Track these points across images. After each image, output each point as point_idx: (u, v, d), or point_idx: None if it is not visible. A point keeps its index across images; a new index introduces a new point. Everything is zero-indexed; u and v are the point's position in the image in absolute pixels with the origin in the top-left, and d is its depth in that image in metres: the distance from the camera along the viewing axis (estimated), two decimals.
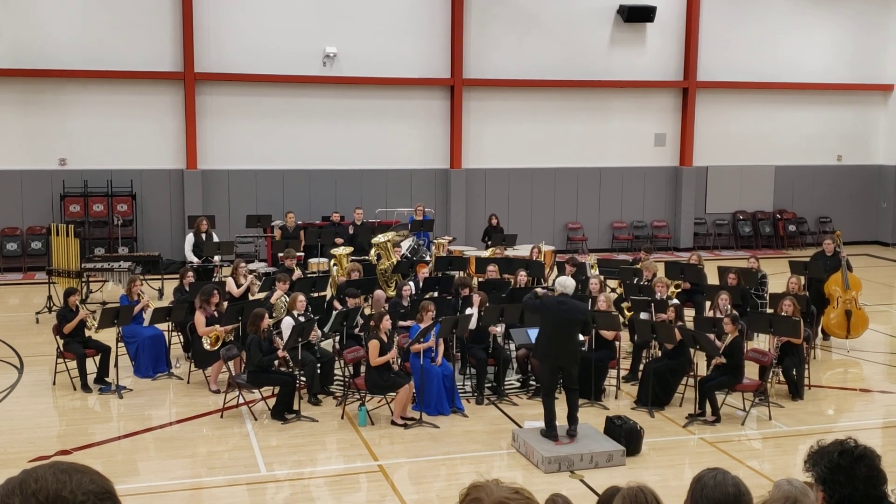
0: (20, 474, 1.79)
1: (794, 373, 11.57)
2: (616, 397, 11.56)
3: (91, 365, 11.72)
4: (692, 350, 11.16)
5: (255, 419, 10.62)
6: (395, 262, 15.25)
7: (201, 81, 19.82)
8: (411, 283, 13.28)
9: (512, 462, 9.52)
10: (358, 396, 10.85)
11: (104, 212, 19.57)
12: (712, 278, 14.78)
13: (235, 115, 20.20)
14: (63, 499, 1.73)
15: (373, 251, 15.88)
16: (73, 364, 11.66)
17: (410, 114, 21.22)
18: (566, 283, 10.08)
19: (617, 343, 11.81)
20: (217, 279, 14.87)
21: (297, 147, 20.57)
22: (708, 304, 13.59)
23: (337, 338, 11.86)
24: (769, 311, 13.07)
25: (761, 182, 23.84)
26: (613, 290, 15.17)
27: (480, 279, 14.47)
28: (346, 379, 11.41)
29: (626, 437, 9.60)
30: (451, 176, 21.51)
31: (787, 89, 23.48)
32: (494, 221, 18.94)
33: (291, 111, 20.49)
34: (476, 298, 11.90)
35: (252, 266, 16.00)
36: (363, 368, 11.05)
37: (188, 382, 11.97)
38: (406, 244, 16.21)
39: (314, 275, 14.72)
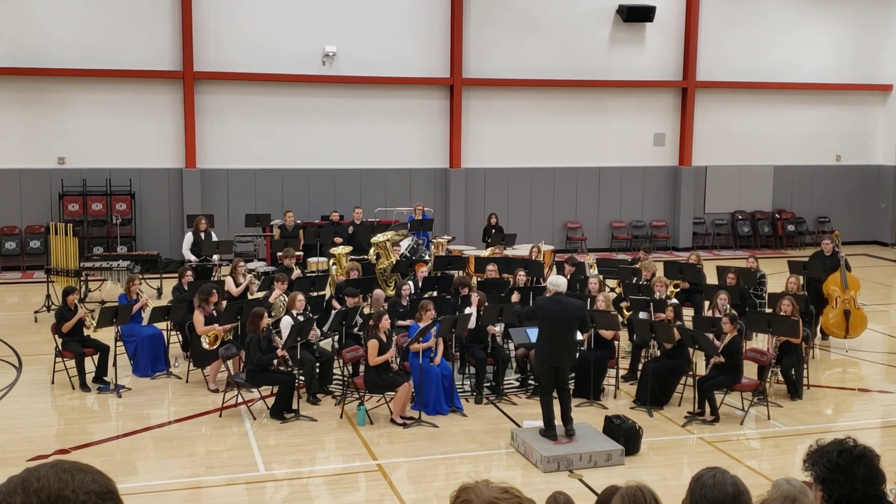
0: (23, 472, 1.79)
1: (793, 372, 11.58)
2: (615, 397, 11.56)
3: (90, 364, 11.71)
4: (691, 350, 11.17)
5: (254, 418, 10.62)
6: (394, 262, 15.25)
7: (200, 80, 19.82)
8: (410, 283, 13.28)
9: (511, 461, 9.52)
10: (357, 396, 10.85)
11: (103, 211, 19.56)
12: (711, 278, 14.78)
13: (234, 115, 20.19)
14: (65, 498, 1.73)
15: (372, 250, 15.89)
16: (71, 363, 11.65)
17: (410, 113, 21.22)
18: (558, 283, 10.06)
19: (616, 342, 11.82)
20: (216, 278, 14.86)
21: (296, 146, 20.57)
22: (707, 303, 13.61)
23: (336, 337, 11.87)
24: (768, 310, 13.07)
25: (760, 182, 23.85)
26: (612, 289, 15.16)
27: (479, 279, 14.48)
28: (345, 378, 11.42)
29: (625, 436, 9.60)
30: (451, 175, 21.51)
31: (787, 89, 23.49)
32: (494, 221, 18.95)
33: (291, 110, 20.49)
34: (475, 298, 11.91)
35: (251, 265, 16.02)
36: (362, 368, 11.05)
37: (187, 381, 11.96)
38: (405, 243, 16.21)
39: (313, 274, 14.71)
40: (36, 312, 15.23)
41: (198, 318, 11.73)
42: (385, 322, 10.61)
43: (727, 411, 10.95)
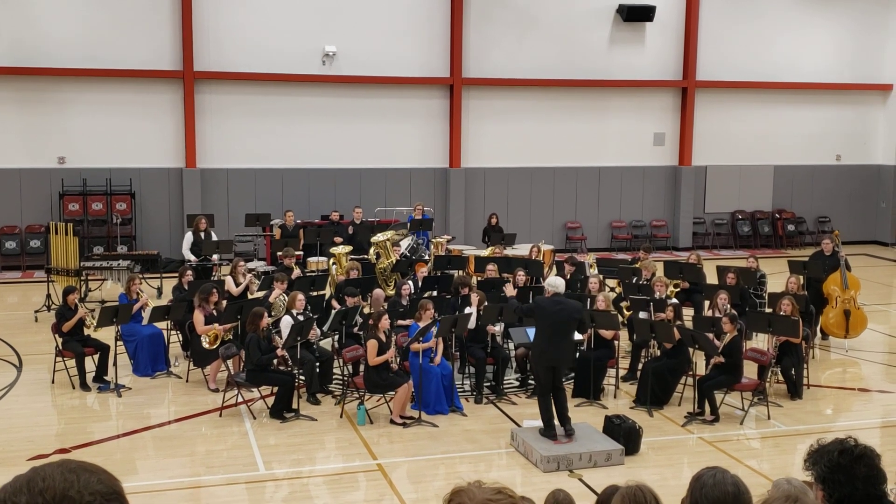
0: (28, 472, 1.79)
1: (793, 372, 11.58)
2: (615, 396, 11.56)
3: (90, 363, 11.71)
4: (691, 349, 11.17)
5: (254, 418, 10.62)
6: (394, 261, 15.26)
7: (200, 80, 19.82)
8: (410, 283, 13.28)
9: (510, 461, 9.52)
10: (357, 395, 10.85)
11: (103, 210, 19.57)
12: (711, 278, 14.79)
13: (234, 114, 20.20)
14: (70, 498, 1.73)
15: (372, 250, 15.89)
16: (71, 362, 11.66)
17: (410, 113, 21.22)
18: (556, 283, 10.07)
19: (616, 342, 11.82)
20: (216, 278, 14.87)
21: (296, 146, 20.57)
22: (707, 303, 13.61)
23: (336, 337, 11.87)
24: (768, 310, 13.08)
25: (760, 181, 23.85)
26: (612, 289, 15.16)
27: (479, 278, 14.49)
28: (345, 378, 11.43)
29: (625, 436, 9.61)
30: (451, 175, 21.51)
31: (787, 89, 23.50)
32: (494, 221, 18.95)
33: (291, 110, 20.49)
34: (475, 297, 11.91)
35: (251, 265, 16.03)
36: (362, 367, 11.05)
37: (187, 381, 11.96)
38: (405, 243, 16.22)
39: (313, 274, 14.71)
40: (36, 312, 15.24)
41: (198, 317, 11.74)
42: (385, 322, 10.61)
43: (727, 411, 10.95)
